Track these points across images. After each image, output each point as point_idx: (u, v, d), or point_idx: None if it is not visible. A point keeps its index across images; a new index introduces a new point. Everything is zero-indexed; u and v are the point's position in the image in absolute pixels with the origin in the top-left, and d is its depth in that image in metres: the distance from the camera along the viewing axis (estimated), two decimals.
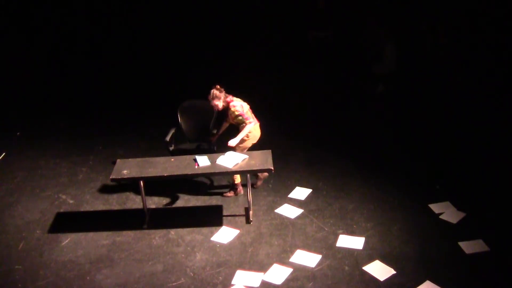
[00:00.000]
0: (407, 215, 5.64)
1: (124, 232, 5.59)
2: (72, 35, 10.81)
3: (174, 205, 6.06)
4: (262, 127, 6.07)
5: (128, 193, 6.23)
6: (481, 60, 8.52)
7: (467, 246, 5.10)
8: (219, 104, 5.80)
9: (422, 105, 8.20)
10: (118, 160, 5.80)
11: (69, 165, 7.00)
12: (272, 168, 5.48)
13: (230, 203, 6.01)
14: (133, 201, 6.10)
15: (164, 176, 5.47)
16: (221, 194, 6.16)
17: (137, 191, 5.73)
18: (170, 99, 6.59)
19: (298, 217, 5.71)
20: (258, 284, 4.81)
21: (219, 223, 5.67)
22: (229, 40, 10.71)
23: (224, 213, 5.85)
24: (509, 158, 6.55)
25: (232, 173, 5.65)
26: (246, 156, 5.64)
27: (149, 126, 7.87)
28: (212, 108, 5.91)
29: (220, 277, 4.91)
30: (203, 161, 5.58)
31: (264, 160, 5.57)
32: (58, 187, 6.50)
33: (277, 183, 6.34)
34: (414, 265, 4.91)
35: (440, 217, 5.58)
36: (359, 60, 9.18)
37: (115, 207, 6.06)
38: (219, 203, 6.03)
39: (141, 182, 5.54)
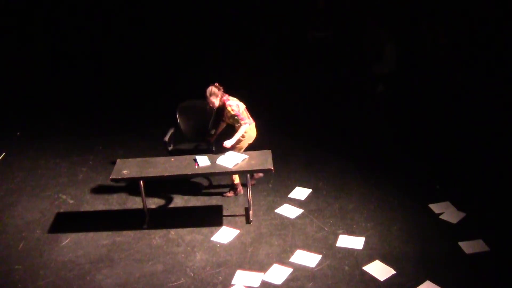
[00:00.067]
0: (407, 215, 5.64)
1: (124, 232, 5.59)
2: (72, 35, 10.81)
3: (174, 205, 6.06)
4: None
5: (128, 193, 6.23)
6: (481, 60, 8.52)
7: (467, 246, 5.10)
8: (216, 101, 5.79)
9: (422, 105, 8.20)
10: (118, 160, 5.80)
11: (69, 165, 7.00)
12: (272, 168, 5.48)
13: (230, 203, 6.01)
14: (133, 201, 6.10)
15: (164, 176, 5.47)
16: (221, 194, 6.16)
17: (137, 191, 5.73)
18: (170, 99, 6.59)
19: (298, 217, 5.71)
20: (258, 284, 4.82)
21: (219, 223, 5.67)
22: (229, 40, 10.71)
23: (224, 213, 5.85)
24: (509, 158, 6.54)
25: (232, 173, 5.65)
26: (246, 156, 5.64)
27: (149, 126, 7.87)
28: (209, 106, 5.89)
29: (220, 277, 4.91)
30: (203, 161, 5.59)
31: (264, 160, 5.58)
32: (58, 187, 6.50)
33: (277, 183, 6.34)
34: (414, 265, 4.91)
35: (440, 217, 5.58)
36: (359, 60, 9.19)
37: (115, 207, 6.06)
38: (219, 203, 6.03)
39: (141, 182, 5.54)
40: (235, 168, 5.50)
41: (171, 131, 6.28)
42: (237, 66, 9.77)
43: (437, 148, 6.96)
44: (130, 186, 6.21)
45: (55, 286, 4.91)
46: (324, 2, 9.66)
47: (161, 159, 5.75)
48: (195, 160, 5.63)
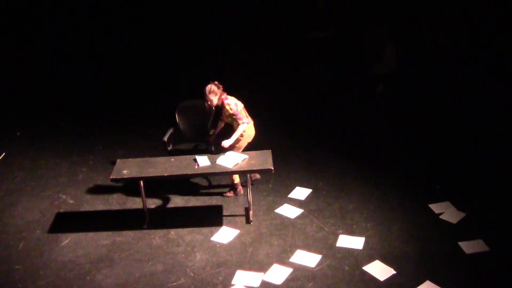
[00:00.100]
0: (407, 215, 5.64)
1: (124, 232, 5.59)
2: (72, 35, 10.81)
3: (174, 205, 6.06)
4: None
5: (128, 193, 6.23)
6: (481, 60, 8.52)
7: (467, 246, 5.10)
8: (214, 100, 5.78)
9: (422, 105, 8.20)
10: (118, 160, 5.80)
11: (69, 165, 7.00)
12: (272, 168, 5.48)
13: (230, 203, 6.01)
14: (133, 201, 6.10)
15: (164, 176, 5.47)
16: (221, 194, 6.15)
17: (137, 191, 5.73)
18: (170, 99, 6.59)
19: (298, 217, 5.71)
20: (258, 284, 4.81)
21: (219, 223, 5.67)
22: (229, 40, 10.71)
23: (224, 213, 5.85)
24: (509, 158, 6.54)
25: (232, 173, 5.65)
26: (246, 156, 5.63)
27: (149, 126, 7.87)
28: (207, 104, 5.88)
29: (220, 277, 4.90)
30: (203, 161, 5.59)
31: (264, 160, 5.57)
32: (58, 187, 6.50)
33: (277, 183, 6.34)
34: (414, 265, 4.91)
35: (440, 217, 5.58)
36: (359, 60, 9.19)
37: (115, 207, 6.06)
38: (219, 203, 6.03)
39: (141, 182, 5.54)
40: (235, 168, 5.50)
41: (170, 131, 6.28)
42: (237, 66, 9.77)
43: (437, 148, 6.96)
44: (130, 186, 6.20)
45: (55, 286, 4.91)
46: (324, 2, 9.66)
47: (161, 159, 5.75)
48: (195, 160, 5.63)
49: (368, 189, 6.12)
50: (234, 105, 5.78)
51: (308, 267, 4.97)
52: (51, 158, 7.21)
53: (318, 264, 4.99)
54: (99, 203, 6.13)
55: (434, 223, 5.50)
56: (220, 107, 5.88)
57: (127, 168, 5.58)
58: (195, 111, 6.29)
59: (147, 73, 10.02)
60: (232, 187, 6.12)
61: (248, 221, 5.68)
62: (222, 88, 5.81)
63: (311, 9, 9.76)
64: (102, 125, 8.18)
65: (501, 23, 8.49)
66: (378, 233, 5.38)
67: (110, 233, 5.59)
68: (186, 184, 6.38)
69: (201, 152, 5.91)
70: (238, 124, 5.76)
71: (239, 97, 5.99)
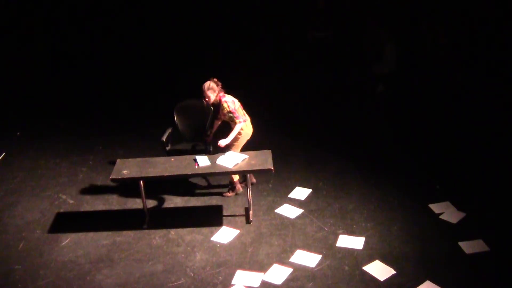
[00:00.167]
0: (407, 215, 5.64)
1: (124, 232, 5.59)
2: (72, 35, 10.81)
3: (174, 205, 6.06)
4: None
5: (128, 193, 6.23)
6: (481, 60, 8.52)
7: (467, 246, 5.10)
8: (212, 96, 5.77)
9: (422, 105, 8.20)
10: (118, 160, 5.80)
11: (69, 165, 7.00)
12: (272, 168, 5.48)
13: (230, 203, 6.01)
14: (133, 201, 6.09)
15: (164, 176, 5.47)
16: (221, 194, 6.15)
17: (137, 191, 5.73)
18: (170, 99, 6.58)
19: (298, 217, 5.71)
20: (258, 284, 4.81)
21: (219, 223, 5.67)
22: (229, 40, 10.71)
23: (224, 213, 5.85)
24: (509, 158, 6.54)
25: (232, 173, 5.65)
26: (246, 156, 5.63)
27: (149, 126, 7.87)
28: (205, 101, 5.86)
29: (220, 277, 4.91)
30: (203, 161, 5.59)
31: (264, 160, 5.57)
32: (58, 187, 6.50)
33: (277, 183, 6.34)
34: (414, 265, 4.91)
35: (440, 217, 5.58)
36: (359, 60, 9.19)
37: (115, 207, 6.06)
38: (219, 203, 6.03)
39: (141, 182, 5.54)
40: (235, 168, 5.50)
41: (168, 131, 6.27)
42: (237, 66, 9.77)
43: (437, 148, 6.96)
44: (130, 186, 6.19)
45: (55, 286, 4.91)
46: (324, 2, 9.67)
47: (161, 159, 5.75)
48: (195, 160, 5.63)
49: (368, 189, 6.13)
50: (231, 102, 5.78)
51: (308, 267, 4.97)
52: (51, 158, 7.21)
53: (318, 264, 4.99)
54: (99, 203, 6.13)
55: (434, 223, 5.50)
56: (217, 105, 5.88)
57: (127, 168, 5.58)
58: (193, 111, 6.29)
59: (147, 73, 10.02)
60: (231, 186, 6.11)
61: (248, 221, 5.68)
62: (220, 86, 5.81)
63: (311, 9, 9.76)
64: (102, 125, 8.18)
65: (501, 23, 8.49)
66: (378, 233, 5.38)
67: (110, 233, 5.59)
68: (186, 184, 6.38)
69: (200, 152, 5.90)
70: (235, 123, 5.75)
71: (239, 97, 5.99)
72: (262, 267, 5.00)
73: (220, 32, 10.81)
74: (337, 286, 4.72)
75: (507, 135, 7.07)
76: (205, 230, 5.56)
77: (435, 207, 5.72)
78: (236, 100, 5.86)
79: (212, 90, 5.75)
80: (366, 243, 5.24)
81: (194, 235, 5.49)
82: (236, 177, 6.06)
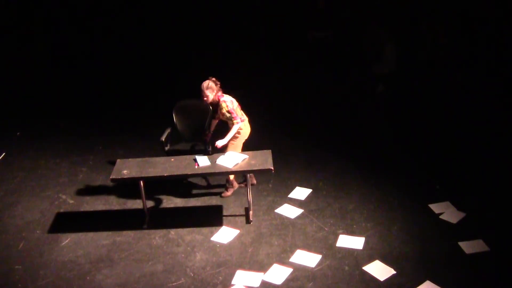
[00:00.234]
0: (407, 215, 5.64)
1: (124, 232, 5.59)
2: (72, 35, 10.81)
3: (174, 205, 6.06)
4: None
5: (128, 193, 6.23)
6: (481, 60, 8.52)
7: (467, 246, 5.10)
8: (210, 96, 5.76)
9: (422, 105, 8.20)
10: (118, 160, 5.80)
11: (69, 165, 7.00)
12: (272, 168, 5.48)
13: (230, 203, 6.01)
14: (133, 201, 6.09)
15: (164, 176, 5.47)
16: (221, 194, 6.14)
17: (137, 191, 5.73)
18: (170, 99, 6.58)
19: (298, 217, 5.71)
20: (258, 284, 4.81)
21: (219, 223, 5.67)
22: (229, 40, 10.71)
23: (224, 213, 5.85)
24: (509, 158, 6.54)
25: (232, 173, 5.65)
26: (246, 156, 5.63)
27: (149, 126, 7.87)
28: (203, 100, 5.85)
29: (220, 277, 4.90)
30: (203, 161, 5.59)
31: (264, 160, 5.57)
32: (58, 187, 6.50)
33: (277, 183, 6.34)
34: (414, 265, 4.90)
35: (440, 217, 5.58)
36: (359, 60, 9.19)
37: (115, 207, 6.06)
38: (219, 203, 6.03)
39: (141, 182, 5.54)
40: (235, 168, 5.50)
41: (167, 131, 6.27)
42: (237, 66, 9.77)
43: (437, 148, 6.96)
44: (130, 186, 6.19)
45: (55, 286, 4.91)
46: (324, 2, 9.67)
47: (161, 159, 5.75)
48: (195, 160, 5.63)
49: (368, 189, 6.12)
50: (230, 102, 5.77)
51: (308, 267, 4.97)
52: (51, 158, 7.21)
53: (318, 264, 4.99)
54: (99, 203, 6.13)
55: (434, 223, 5.50)
56: (215, 105, 5.87)
57: (127, 168, 5.59)
58: (192, 111, 6.27)
59: (147, 73, 10.02)
60: (228, 184, 6.09)
61: (248, 221, 5.68)
62: (219, 85, 5.80)
63: (311, 9, 9.76)
64: (102, 125, 8.18)
65: (501, 23, 8.49)
66: (378, 233, 5.38)
67: (110, 233, 5.59)
68: (186, 184, 6.38)
69: (199, 153, 5.90)
70: (233, 123, 5.75)
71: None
72: (262, 267, 5.00)
73: (220, 32, 10.81)
74: (337, 286, 4.72)
75: (507, 135, 7.07)
76: (205, 230, 5.56)
77: (435, 207, 5.72)
78: (234, 100, 5.85)
79: (211, 90, 5.74)
80: (366, 243, 5.23)
81: (194, 235, 5.49)
82: (231, 176, 6.05)
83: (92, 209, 6.04)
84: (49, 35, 10.74)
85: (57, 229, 5.72)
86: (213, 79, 5.77)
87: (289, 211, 5.82)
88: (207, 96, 5.76)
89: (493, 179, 6.18)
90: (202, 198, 6.15)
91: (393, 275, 4.80)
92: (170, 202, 6.11)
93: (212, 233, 5.50)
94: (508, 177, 6.16)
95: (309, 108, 8.44)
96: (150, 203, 6.01)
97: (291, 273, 4.90)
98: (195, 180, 6.45)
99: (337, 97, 8.72)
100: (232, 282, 4.84)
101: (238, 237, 5.44)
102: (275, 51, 10.35)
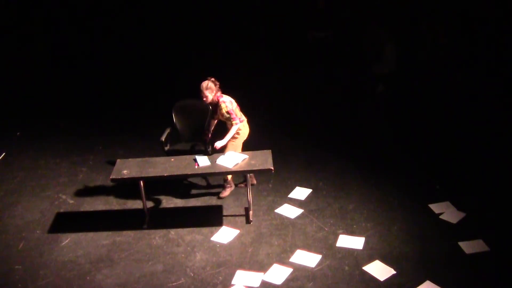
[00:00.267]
0: (407, 215, 5.64)
1: (124, 232, 5.59)
2: (72, 35, 10.81)
3: (174, 205, 6.06)
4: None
5: (128, 193, 6.22)
6: (481, 60, 8.52)
7: (467, 246, 5.10)
8: (210, 96, 5.75)
9: (422, 105, 8.20)
10: (118, 160, 5.80)
11: (69, 165, 7.00)
12: (272, 168, 5.48)
13: (230, 203, 6.01)
14: (133, 201, 6.09)
15: (164, 176, 5.47)
16: (219, 194, 6.13)
17: (137, 191, 5.73)
18: (170, 99, 6.58)
19: (298, 217, 5.71)
20: (258, 284, 4.81)
21: (219, 223, 5.67)
22: (229, 40, 10.71)
23: (224, 213, 5.85)
24: (509, 158, 6.54)
25: (232, 173, 5.64)
26: (246, 156, 5.63)
27: (149, 126, 7.86)
28: (202, 100, 5.85)
29: (220, 277, 4.90)
30: (203, 161, 5.59)
31: (264, 160, 5.57)
32: (58, 187, 6.50)
33: (277, 183, 6.34)
34: (414, 265, 4.90)
35: (440, 217, 5.58)
36: (359, 60, 9.18)
37: (115, 207, 6.06)
38: (219, 203, 6.03)
39: (141, 182, 5.54)
40: (235, 168, 5.50)
41: (167, 131, 6.27)
42: (237, 66, 9.77)
43: (437, 148, 6.96)
44: (130, 186, 6.18)
45: (55, 286, 4.90)
46: (324, 2, 9.67)
47: (161, 159, 5.75)
48: (195, 160, 5.63)
49: (368, 189, 6.12)
50: (229, 103, 5.77)
51: (308, 267, 4.96)
52: (51, 158, 7.21)
53: (318, 264, 4.99)
54: (99, 203, 6.13)
55: (434, 223, 5.50)
56: (214, 105, 5.87)
57: (127, 168, 5.59)
58: (191, 111, 6.27)
59: (147, 73, 10.02)
60: (226, 183, 6.09)
61: (248, 221, 5.68)
62: (218, 85, 5.80)
63: (311, 9, 9.76)
64: (102, 125, 8.18)
65: (501, 23, 8.49)
66: (378, 233, 5.38)
67: (110, 233, 5.59)
68: (186, 184, 6.38)
69: (198, 153, 5.90)
70: (232, 124, 5.75)
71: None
72: (262, 267, 5.00)
73: (220, 32, 10.81)
74: (337, 286, 4.72)
75: (507, 135, 7.07)
76: (205, 230, 5.56)
77: (435, 207, 5.72)
78: (233, 101, 5.85)
79: (210, 90, 5.73)
80: (366, 243, 5.23)
81: (194, 235, 5.49)
82: (229, 176, 6.05)
83: (92, 209, 6.04)
84: (49, 35, 10.75)
85: (57, 229, 5.72)
86: (212, 79, 5.77)
87: (289, 211, 5.82)
88: (206, 97, 5.76)
89: (493, 179, 6.18)
90: (202, 198, 6.15)
91: (393, 275, 4.80)
92: (170, 202, 6.11)
93: (212, 233, 5.50)
94: (508, 177, 6.16)
95: (309, 108, 8.44)
96: (150, 203, 6.01)
97: (291, 273, 4.90)
98: (195, 180, 6.45)
99: (337, 97, 8.72)
100: (232, 282, 4.84)
101: (238, 237, 5.44)
102: (275, 51, 10.35)
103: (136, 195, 6.02)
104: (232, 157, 5.60)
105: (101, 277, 4.98)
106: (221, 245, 5.34)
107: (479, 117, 7.64)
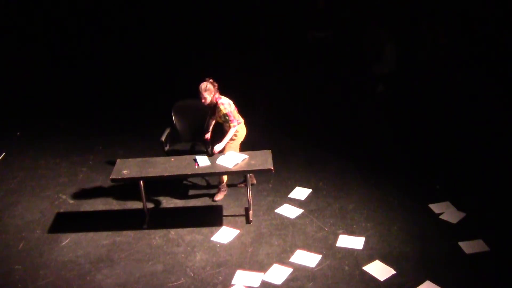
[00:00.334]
0: (407, 215, 5.64)
1: (124, 232, 5.59)
2: (72, 35, 10.81)
3: (174, 205, 6.06)
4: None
5: (128, 193, 6.22)
6: (481, 60, 8.52)
7: (467, 246, 5.10)
8: (208, 98, 5.72)
9: (422, 105, 8.20)
10: (118, 160, 5.80)
11: (69, 165, 7.00)
12: (272, 168, 5.48)
13: (230, 203, 6.01)
14: (133, 201, 6.09)
15: (164, 176, 5.47)
16: (213, 197, 6.12)
17: (137, 191, 5.73)
18: (170, 99, 6.58)
19: (298, 217, 5.71)
20: (258, 284, 4.81)
21: (219, 223, 5.67)
22: (228, 40, 10.71)
23: (224, 213, 5.85)
24: (509, 158, 6.54)
25: (232, 173, 5.65)
26: (246, 156, 5.63)
27: (149, 126, 7.87)
28: (201, 102, 5.84)
29: (220, 277, 4.91)
30: (203, 161, 5.58)
31: (264, 160, 5.57)
32: (58, 187, 6.50)
33: (277, 183, 6.34)
34: (414, 265, 4.91)
35: (440, 217, 5.58)
36: (359, 60, 9.19)
37: (115, 207, 6.06)
38: (219, 203, 6.03)
39: (141, 182, 5.54)
40: (235, 168, 5.49)
41: (167, 131, 6.26)
42: (237, 66, 9.76)
43: (437, 148, 6.96)
44: (130, 186, 6.18)
45: (55, 286, 4.91)
46: (324, 2, 9.67)
47: (161, 159, 5.75)
48: (195, 160, 5.63)
49: (368, 189, 6.12)
50: (228, 105, 5.76)
51: (308, 267, 4.96)
52: (51, 158, 7.21)
53: (318, 264, 4.99)
54: (99, 203, 6.13)
55: (434, 223, 5.50)
56: (213, 106, 5.86)
57: (127, 168, 5.59)
58: (191, 111, 6.27)
59: (147, 73, 10.02)
60: (220, 185, 6.08)
61: (248, 221, 5.68)
62: (217, 87, 5.79)
63: (311, 9, 9.76)
64: (102, 125, 8.18)
65: (501, 23, 8.49)
66: (378, 233, 5.38)
67: (110, 233, 5.59)
68: (186, 184, 6.38)
69: (199, 153, 5.89)
70: (230, 126, 5.74)
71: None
72: (262, 267, 5.00)
73: (220, 32, 10.81)
74: (337, 286, 4.72)
75: (507, 135, 7.07)
76: (205, 230, 5.56)
77: (435, 207, 5.72)
78: (231, 102, 5.84)
79: (209, 91, 5.71)
80: (366, 243, 5.23)
81: (194, 235, 5.49)
82: (225, 178, 6.04)
83: (92, 209, 6.04)
84: (49, 35, 10.74)
85: (57, 229, 5.72)
86: (211, 80, 5.75)
87: (289, 211, 5.82)
88: (205, 98, 5.74)
89: (493, 179, 6.19)
90: (202, 198, 6.15)
91: (393, 275, 4.80)
92: (170, 202, 6.11)
93: (212, 233, 5.50)
94: (508, 177, 6.16)
95: (309, 108, 8.44)
96: (150, 203, 6.01)
97: (291, 273, 4.90)
98: (195, 180, 6.45)
99: (337, 97, 8.72)
100: (232, 282, 4.84)
101: (238, 237, 5.44)
102: (275, 51, 10.35)
103: (136, 195, 6.02)
104: (232, 157, 5.59)
105: (101, 277, 4.98)
106: (221, 245, 5.34)
107: (479, 117, 7.64)
